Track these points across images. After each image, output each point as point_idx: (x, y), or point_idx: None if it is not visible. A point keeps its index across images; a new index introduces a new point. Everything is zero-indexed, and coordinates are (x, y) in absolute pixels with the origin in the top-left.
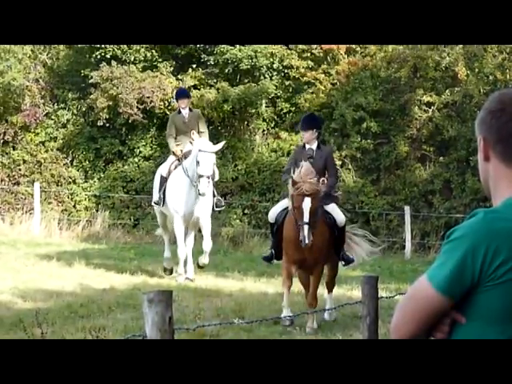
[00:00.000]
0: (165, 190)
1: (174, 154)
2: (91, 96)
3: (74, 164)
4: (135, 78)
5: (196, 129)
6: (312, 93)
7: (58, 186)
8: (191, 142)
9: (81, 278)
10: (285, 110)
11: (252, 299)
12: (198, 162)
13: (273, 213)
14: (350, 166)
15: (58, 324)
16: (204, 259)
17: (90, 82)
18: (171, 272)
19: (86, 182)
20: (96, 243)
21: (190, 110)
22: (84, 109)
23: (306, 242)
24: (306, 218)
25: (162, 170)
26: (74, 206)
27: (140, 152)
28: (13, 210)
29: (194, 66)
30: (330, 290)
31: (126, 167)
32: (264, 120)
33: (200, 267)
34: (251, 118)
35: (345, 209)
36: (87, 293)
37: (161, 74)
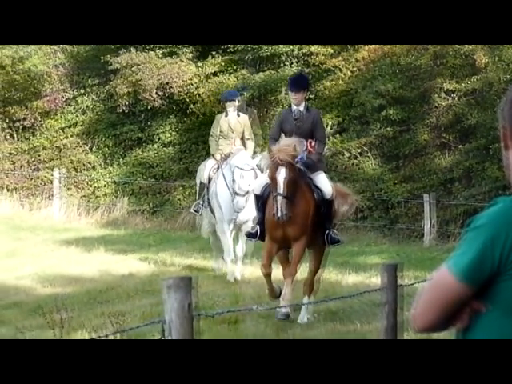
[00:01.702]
0: (204, 198)
1: (213, 157)
2: (111, 82)
3: (94, 150)
4: (155, 65)
5: (241, 135)
6: (332, 80)
7: (77, 172)
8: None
9: (100, 264)
10: None
11: None
12: (234, 180)
13: (258, 184)
14: (369, 154)
15: (78, 310)
16: (237, 274)
17: (110, 68)
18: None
19: (106, 168)
20: (115, 229)
21: (238, 114)
22: (104, 95)
23: (279, 215)
24: (281, 189)
25: (202, 176)
26: (94, 192)
27: (160, 138)
28: (32, 196)
29: (214, 52)
30: (310, 291)
31: (145, 154)
32: (284, 107)
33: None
34: (271, 105)
35: (364, 196)
36: (106, 279)
37: (181, 60)
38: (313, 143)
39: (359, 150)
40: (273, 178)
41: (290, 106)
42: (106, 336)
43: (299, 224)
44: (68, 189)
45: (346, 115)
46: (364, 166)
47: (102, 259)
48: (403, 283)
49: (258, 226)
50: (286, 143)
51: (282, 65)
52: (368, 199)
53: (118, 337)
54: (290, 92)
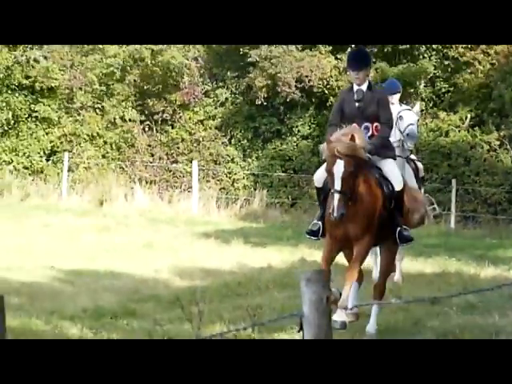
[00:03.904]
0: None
1: None
2: (250, 75)
3: (233, 143)
4: (294, 58)
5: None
6: (471, 73)
7: (216, 164)
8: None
9: (238, 256)
10: (443, 90)
11: (409, 279)
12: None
13: (320, 176)
14: (508, 147)
15: (216, 302)
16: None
17: (248, 60)
18: None
19: (244, 160)
20: (254, 222)
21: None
22: (242, 87)
23: (335, 214)
24: (338, 186)
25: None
26: (232, 185)
27: (298, 131)
28: (171, 188)
29: (353, 45)
30: (379, 295)
31: (284, 146)
32: (422, 100)
33: None
34: (410, 97)
35: (502, 189)
36: (245, 271)
37: (319, 53)
38: (378, 127)
39: (498, 143)
40: (329, 172)
41: (351, 87)
42: (245, 329)
43: (361, 222)
44: (207, 181)
45: (484, 108)
46: (503, 159)
47: (241, 252)
48: None
49: (319, 223)
50: (344, 132)
51: (420, 57)
52: (507, 192)
53: (256, 329)
54: (350, 71)
